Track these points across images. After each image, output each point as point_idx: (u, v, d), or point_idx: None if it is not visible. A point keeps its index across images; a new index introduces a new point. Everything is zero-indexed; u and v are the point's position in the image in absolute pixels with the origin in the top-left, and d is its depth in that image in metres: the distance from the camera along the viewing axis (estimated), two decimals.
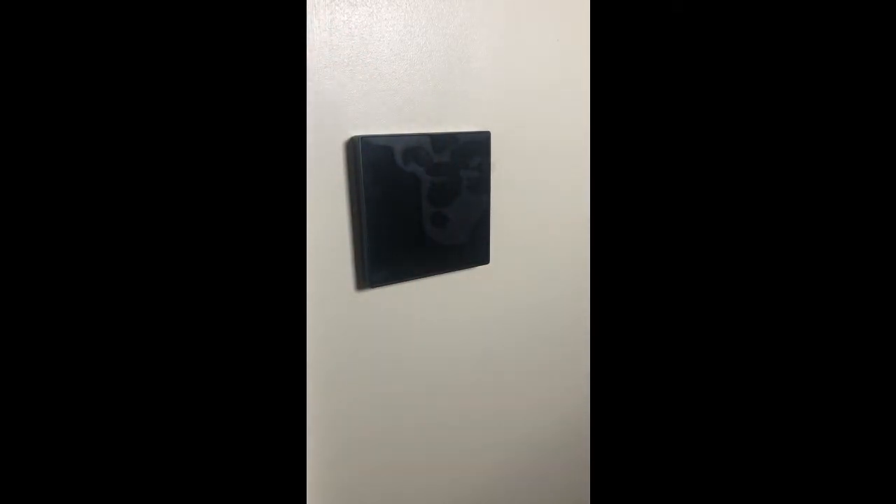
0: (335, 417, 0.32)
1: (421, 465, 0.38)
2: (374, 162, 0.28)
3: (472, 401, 0.39)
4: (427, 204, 0.31)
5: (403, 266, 0.31)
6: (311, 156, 0.27)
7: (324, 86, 0.27)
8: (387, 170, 0.29)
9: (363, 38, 0.27)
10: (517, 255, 0.38)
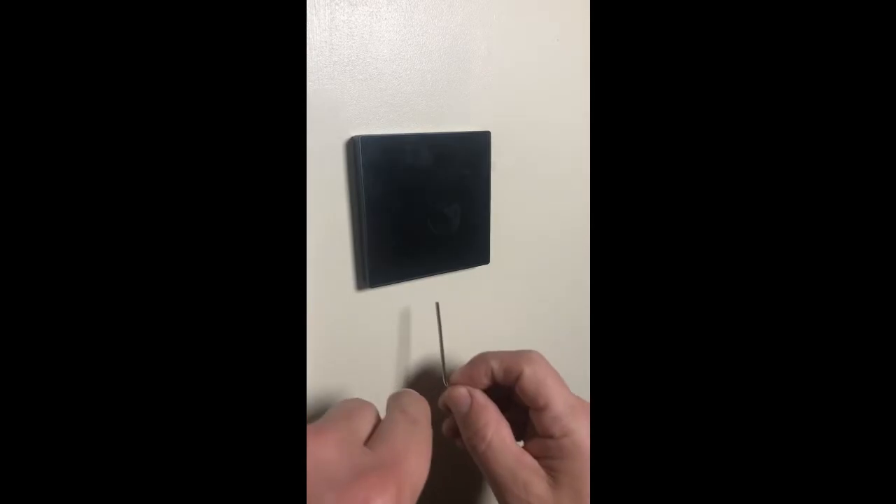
0: None
1: None
2: (374, 162, 0.28)
3: None
4: (427, 204, 0.31)
5: (403, 266, 0.31)
6: (311, 156, 0.27)
7: (324, 86, 0.27)
8: (387, 170, 0.29)
9: (363, 38, 0.27)
10: (517, 255, 0.38)
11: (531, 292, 0.40)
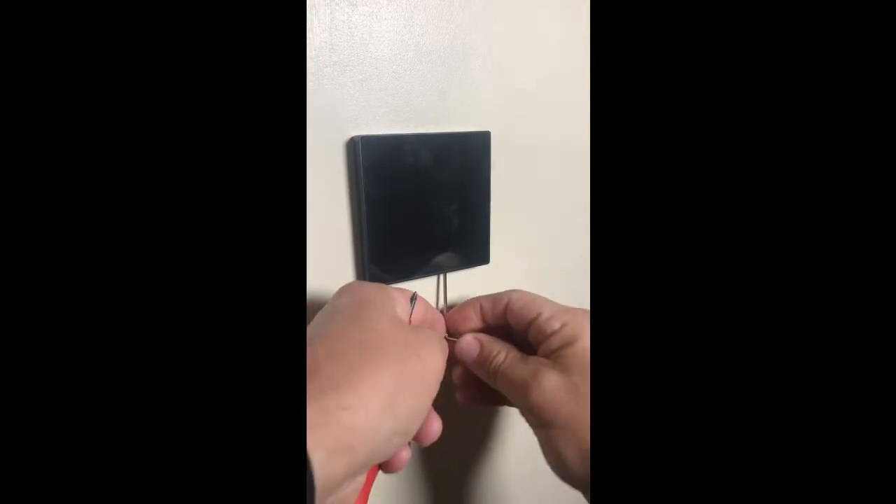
0: None
1: (420, 464, 0.38)
2: (374, 162, 0.28)
3: None
4: (427, 204, 0.31)
5: (403, 266, 0.31)
6: (311, 156, 0.27)
7: (324, 86, 0.27)
8: (387, 170, 0.29)
9: (363, 38, 0.27)
10: (517, 255, 0.38)
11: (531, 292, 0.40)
